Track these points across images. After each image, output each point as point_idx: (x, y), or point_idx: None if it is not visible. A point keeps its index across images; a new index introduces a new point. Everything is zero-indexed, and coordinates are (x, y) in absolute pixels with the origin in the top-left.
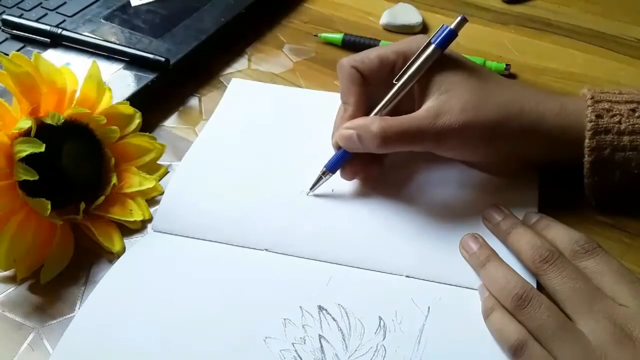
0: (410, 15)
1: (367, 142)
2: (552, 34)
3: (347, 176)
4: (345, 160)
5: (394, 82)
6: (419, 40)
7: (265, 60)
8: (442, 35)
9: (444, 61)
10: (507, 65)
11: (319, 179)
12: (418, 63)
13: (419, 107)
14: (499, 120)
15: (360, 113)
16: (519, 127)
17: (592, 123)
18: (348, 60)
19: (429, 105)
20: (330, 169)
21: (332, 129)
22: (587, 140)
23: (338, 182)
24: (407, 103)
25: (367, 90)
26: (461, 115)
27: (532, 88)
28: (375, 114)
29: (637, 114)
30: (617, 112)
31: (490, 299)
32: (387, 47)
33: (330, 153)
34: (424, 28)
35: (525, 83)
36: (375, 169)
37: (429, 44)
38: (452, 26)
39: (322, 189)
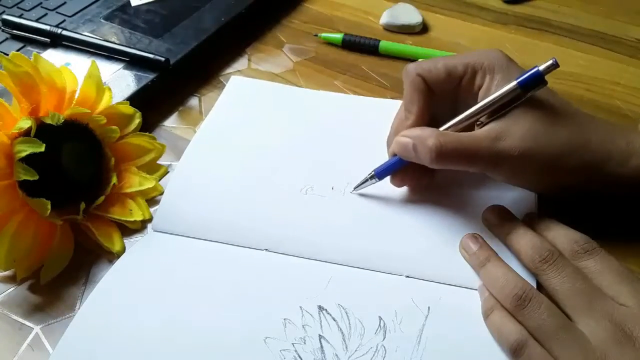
0: (410, 15)
1: (421, 154)
2: (552, 34)
3: (397, 183)
4: (396, 169)
5: (476, 125)
6: (490, 53)
7: (265, 60)
8: (527, 75)
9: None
10: None
11: (366, 180)
12: (496, 97)
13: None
14: (561, 153)
15: (423, 123)
16: (580, 163)
17: None
18: (415, 67)
19: (491, 126)
20: (378, 175)
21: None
22: None
23: (337, 182)
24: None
25: (430, 100)
26: (522, 142)
27: (599, 121)
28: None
29: None
30: None
31: (490, 299)
32: (456, 58)
33: (328, 151)
34: (424, 28)
35: (592, 115)
36: (425, 180)
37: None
38: (541, 68)
39: (322, 189)
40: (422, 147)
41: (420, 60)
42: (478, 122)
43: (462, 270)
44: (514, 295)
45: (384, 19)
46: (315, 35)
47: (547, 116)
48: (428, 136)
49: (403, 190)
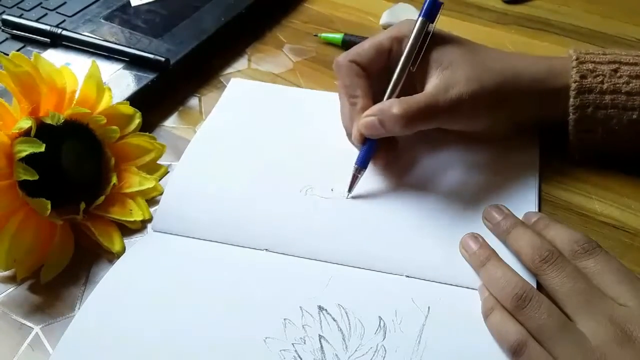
0: (410, 15)
1: (390, 125)
2: (552, 34)
3: (381, 164)
4: (373, 152)
5: (410, 67)
6: (409, 22)
7: (265, 60)
8: (426, 6)
9: (436, 41)
10: None
11: (354, 178)
12: (412, 39)
13: (422, 87)
14: (499, 86)
15: (371, 103)
16: (515, 91)
17: (577, 83)
18: (344, 56)
19: (435, 82)
20: (362, 165)
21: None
22: (571, 100)
23: (338, 182)
24: (409, 87)
25: (370, 81)
26: (468, 86)
27: (520, 54)
28: (386, 99)
29: (618, 74)
30: (600, 72)
31: (490, 299)
32: (379, 35)
33: (328, 152)
34: None
35: (512, 51)
36: (393, 154)
37: (419, 20)
38: None
39: (322, 189)
40: (389, 118)
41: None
42: (412, 69)
43: (462, 270)
44: (514, 295)
45: (384, 19)
46: (315, 35)
47: (478, 59)
48: (389, 107)
49: (403, 190)
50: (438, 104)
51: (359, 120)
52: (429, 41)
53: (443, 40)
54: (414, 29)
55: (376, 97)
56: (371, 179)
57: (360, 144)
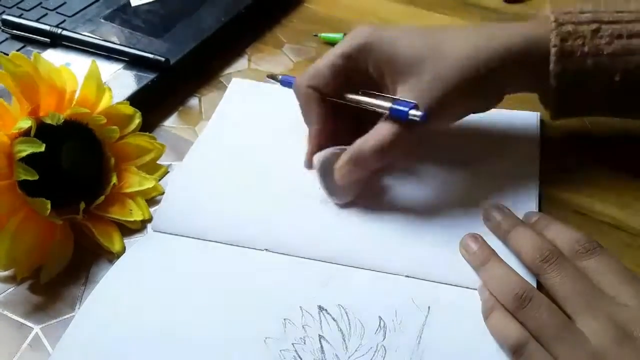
0: None
1: (366, 163)
2: None
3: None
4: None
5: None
6: (359, 34)
7: (265, 60)
8: (398, 108)
9: (385, 49)
10: None
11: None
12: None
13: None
14: (465, 75)
15: (325, 129)
16: (489, 58)
17: (556, 48)
18: (301, 80)
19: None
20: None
21: None
22: (552, 65)
23: None
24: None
25: (327, 106)
26: (433, 92)
27: (483, 25)
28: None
29: (599, 34)
30: (581, 34)
31: (490, 299)
32: (333, 53)
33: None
34: None
35: (475, 24)
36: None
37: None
38: (411, 113)
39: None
40: (362, 160)
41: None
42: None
43: (462, 270)
44: (514, 294)
45: None
46: (315, 35)
47: (433, 52)
48: (360, 148)
49: (403, 190)
50: (408, 130)
51: (310, 147)
52: (377, 63)
53: (391, 45)
54: (379, 105)
55: (335, 121)
56: (371, 179)
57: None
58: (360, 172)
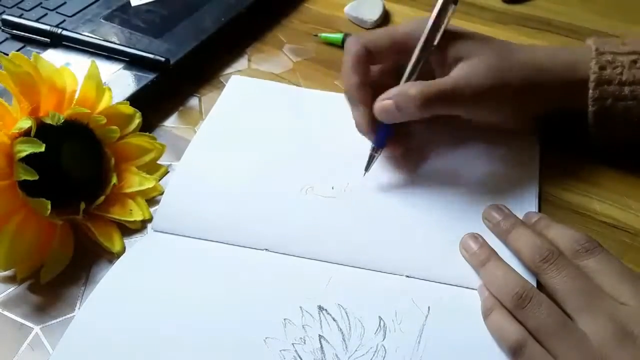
0: (376, 7)
1: (407, 106)
2: (552, 34)
3: (393, 149)
4: (390, 134)
5: (419, 45)
6: (422, 20)
7: (265, 60)
8: None
9: (454, 35)
10: None
11: (371, 157)
12: (434, 15)
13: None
14: (522, 79)
15: (365, 90)
16: (538, 84)
17: (596, 75)
18: (356, 38)
19: (458, 71)
20: (379, 144)
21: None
22: (590, 91)
23: (338, 182)
24: (432, 76)
25: (369, 69)
26: (489, 76)
27: (541, 47)
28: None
29: (637, 65)
30: (619, 63)
31: (490, 298)
32: (397, 27)
33: (328, 151)
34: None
35: (535, 45)
36: (409, 141)
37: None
38: None
39: (322, 189)
40: (405, 99)
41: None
42: (433, 47)
43: (462, 270)
44: (514, 294)
45: (349, 10)
46: (315, 35)
47: (500, 51)
48: (408, 88)
49: (403, 190)
50: (457, 90)
51: (358, 107)
52: (447, 36)
53: (461, 34)
54: (435, 5)
55: (381, 90)
56: (371, 179)
57: (367, 132)
58: (394, 113)
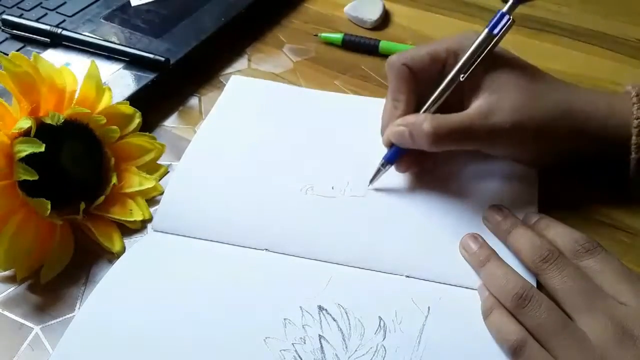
0: (376, 7)
1: (418, 139)
2: (552, 34)
3: (402, 168)
4: (402, 153)
5: (460, 77)
6: (468, 35)
7: (265, 60)
8: (495, 20)
9: (495, 60)
10: None
11: (378, 171)
12: (472, 49)
13: (468, 105)
14: (548, 120)
15: (411, 111)
16: (567, 127)
17: (638, 120)
18: (398, 57)
19: (480, 104)
20: (389, 160)
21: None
22: (634, 138)
23: (338, 182)
24: (456, 102)
25: (417, 88)
26: (512, 115)
27: (580, 88)
28: (425, 110)
29: None
30: None
31: (489, 298)
32: (438, 44)
33: (328, 151)
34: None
35: (573, 83)
36: (429, 162)
37: (484, 32)
38: (504, 9)
39: (322, 188)
40: (418, 132)
41: (401, 51)
42: (462, 78)
43: (462, 270)
44: (514, 294)
45: (349, 10)
46: (315, 35)
47: (531, 88)
48: (422, 121)
49: (403, 190)
50: (473, 128)
51: (392, 126)
52: (487, 61)
53: (502, 61)
54: (476, 39)
55: (421, 106)
56: (370, 177)
57: (388, 147)
58: (408, 142)
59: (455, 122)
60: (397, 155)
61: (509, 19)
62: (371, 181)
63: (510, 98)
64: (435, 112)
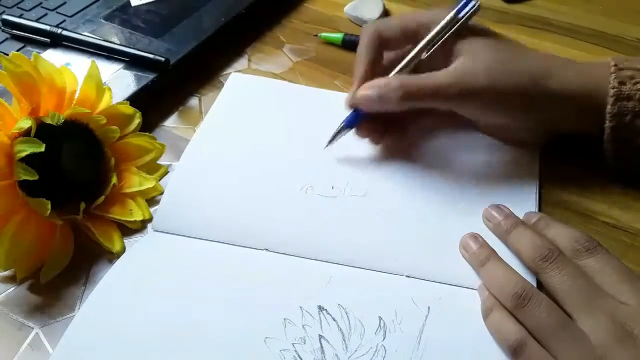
0: (376, 7)
1: (388, 96)
2: (552, 34)
3: (363, 133)
4: (361, 119)
5: (422, 55)
6: (441, 12)
7: (265, 60)
8: (462, 3)
9: (470, 28)
10: None
11: (336, 134)
12: (436, 30)
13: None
14: (524, 85)
15: (373, 73)
16: (543, 93)
17: (615, 90)
18: (373, 24)
19: (455, 66)
20: (348, 124)
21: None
22: (609, 107)
23: (338, 181)
24: (433, 68)
25: (382, 54)
26: (485, 76)
27: (558, 57)
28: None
29: None
30: None
31: (489, 298)
32: (412, 17)
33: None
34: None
35: (550, 53)
36: (392, 133)
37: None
38: None
39: (322, 188)
40: (387, 90)
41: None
42: (424, 56)
43: (462, 270)
44: (513, 294)
45: (349, 10)
46: (315, 35)
47: (507, 53)
48: (392, 80)
49: (403, 190)
50: (443, 86)
51: (354, 87)
52: (457, 31)
53: (473, 30)
54: (442, 19)
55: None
56: (370, 179)
57: (350, 109)
58: (375, 103)
59: (427, 80)
60: (357, 119)
61: (474, 4)
62: (329, 143)
63: (485, 60)
64: None
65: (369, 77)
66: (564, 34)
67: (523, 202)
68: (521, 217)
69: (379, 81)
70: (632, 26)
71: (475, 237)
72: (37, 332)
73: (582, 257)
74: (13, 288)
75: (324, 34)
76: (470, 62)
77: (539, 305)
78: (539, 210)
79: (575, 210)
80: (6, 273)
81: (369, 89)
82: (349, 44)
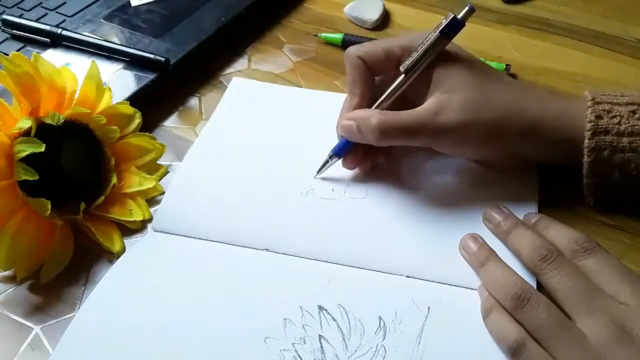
0: (376, 7)
1: (366, 134)
2: (552, 34)
3: (348, 165)
4: (350, 147)
5: (401, 69)
6: (424, 35)
7: (265, 60)
8: (446, 23)
9: (449, 57)
10: (507, 65)
11: (326, 162)
12: (421, 52)
13: (422, 102)
14: (497, 121)
15: (365, 103)
16: (518, 128)
17: (592, 124)
18: (355, 49)
19: (430, 102)
20: (336, 153)
21: (333, 128)
22: (586, 141)
23: (338, 184)
24: (415, 97)
25: (372, 81)
26: (460, 114)
27: (534, 88)
28: (377, 106)
29: (637, 116)
30: (617, 113)
31: (489, 299)
32: (393, 40)
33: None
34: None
35: (528, 83)
36: (381, 158)
37: (434, 33)
38: (459, 16)
39: (322, 190)
40: (365, 126)
41: (361, 44)
42: (415, 76)
43: (462, 270)
44: (513, 294)
45: (348, 10)
46: (315, 35)
47: (483, 87)
48: (370, 116)
49: (403, 190)
50: (419, 126)
51: (340, 114)
52: (439, 58)
53: (454, 58)
54: (425, 41)
55: (376, 99)
56: (370, 179)
57: (341, 137)
58: (355, 135)
59: (403, 119)
60: (345, 149)
61: (459, 22)
62: (318, 172)
63: (460, 97)
64: (389, 108)
65: (358, 106)
66: (564, 34)
67: (523, 203)
68: (521, 218)
69: (360, 113)
70: (632, 26)
71: (475, 237)
72: (37, 332)
73: (582, 258)
74: (13, 288)
75: (323, 34)
76: (445, 99)
77: (538, 306)
78: (539, 211)
79: (575, 211)
80: (6, 273)
81: (351, 121)
82: (349, 44)
